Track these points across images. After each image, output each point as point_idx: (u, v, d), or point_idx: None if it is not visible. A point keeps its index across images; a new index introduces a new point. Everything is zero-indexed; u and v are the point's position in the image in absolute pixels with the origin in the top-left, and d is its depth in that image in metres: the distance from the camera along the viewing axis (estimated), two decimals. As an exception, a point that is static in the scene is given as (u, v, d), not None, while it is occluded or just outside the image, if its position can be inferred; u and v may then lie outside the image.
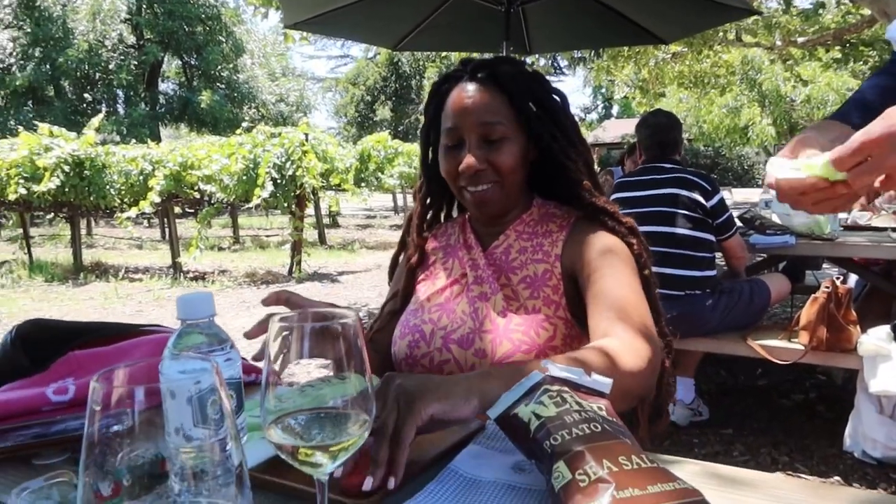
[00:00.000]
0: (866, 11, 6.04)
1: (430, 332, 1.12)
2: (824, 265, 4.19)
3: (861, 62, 7.00)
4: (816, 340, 2.41)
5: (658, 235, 2.59)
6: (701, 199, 2.62)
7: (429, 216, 1.30)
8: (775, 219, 3.10)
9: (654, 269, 1.12)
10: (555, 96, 1.17)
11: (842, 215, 3.38)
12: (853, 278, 3.50)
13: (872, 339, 2.35)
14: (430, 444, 0.77)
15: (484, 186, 1.10)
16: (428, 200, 1.29)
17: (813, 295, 2.48)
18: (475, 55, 7.28)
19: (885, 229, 3.10)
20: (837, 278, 2.50)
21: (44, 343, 1.02)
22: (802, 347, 2.47)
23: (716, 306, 2.59)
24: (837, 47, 6.97)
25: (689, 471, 0.71)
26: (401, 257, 1.32)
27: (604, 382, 0.72)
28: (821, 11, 6.45)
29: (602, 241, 1.08)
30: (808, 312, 2.47)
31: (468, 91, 1.11)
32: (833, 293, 2.40)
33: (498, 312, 1.08)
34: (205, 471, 0.49)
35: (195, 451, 0.49)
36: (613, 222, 1.10)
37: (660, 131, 2.90)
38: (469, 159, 1.08)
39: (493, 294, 1.10)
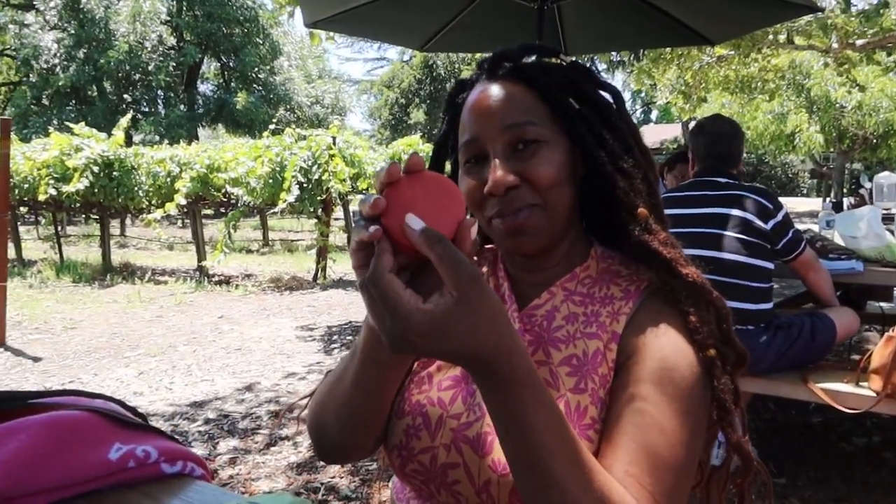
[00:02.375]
0: (934, 12, 5.61)
1: (437, 420, 0.81)
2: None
3: (925, 67, 6.53)
4: (891, 387, 2.07)
5: (705, 261, 2.27)
6: (758, 220, 2.26)
7: None
8: (839, 240, 2.76)
9: None
10: (605, 90, 0.86)
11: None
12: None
13: (959, 388, 2.02)
14: None
15: (520, 210, 0.78)
16: None
17: (888, 333, 2.14)
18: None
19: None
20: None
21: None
22: (874, 394, 2.14)
23: (771, 343, 2.26)
24: (899, 51, 6.52)
25: None
26: None
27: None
28: (882, 12, 6.01)
29: (666, 350, 0.75)
30: (881, 353, 2.13)
31: (486, 91, 0.81)
32: (912, 332, 2.07)
33: None
34: None
35: None
36: (668, 277, 0.78)
37: (720, 141, 2.49)
38: (496, 174, 0.77)
39: None
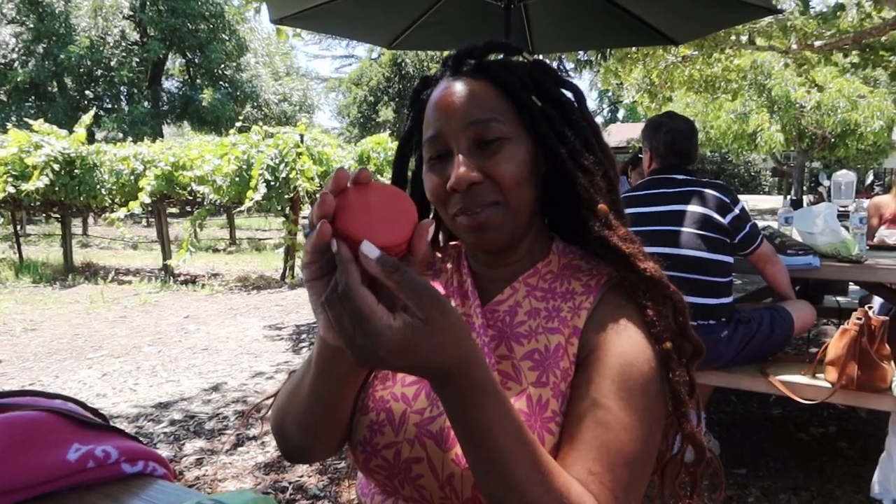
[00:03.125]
0: (888, 14, 5.77)
1: (401, 415, 0.82)
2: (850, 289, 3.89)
3: (881, 67, 6.72)
4: (846, 378, 2.14)
5: (667, 258, 2.30)
6: (717, 215, 2.31)
7: None
8: (796, 236, 2.84)
9: None
10: (567, 88, 0.87)
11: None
12: (876, 302, 3.24)
13: (909, 378, 2.09)
14: None
15: (482, 207, 0.79)
16: None
17: (842, 327, 2.20)
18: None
19: (917, 250, 2.83)
20: (869, 308, 2.23)
21: None
22: (830, 385, 2.20)
23: (731, 337, 2.31)
24: (855, 52, 6.69)
25: None
26: None
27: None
28: (839, 14, 6.17)
29: (626, 346, 0.77)
30: (836, 346, 2.19)
31: (450, 88, 0.82)
32: (866, 325, 2.13)
33: None
34: None
35: None
36: (627, 272, 0.80)
37: (681, 139, 2.50)
38: (459, 170, 0.77)
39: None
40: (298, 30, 5.28)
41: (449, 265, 0.94)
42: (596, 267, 0.86)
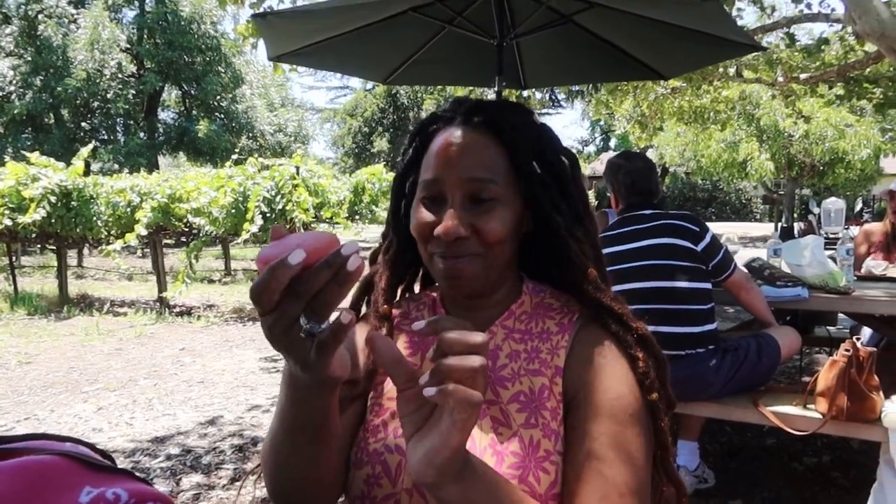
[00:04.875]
0: (870, 48, 5.92)
1: (397, 466, 0.83)
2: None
3: (864, 99, 6.89)
4: (836, 409, 2.17)
5: (648, 292, 2.34)
6: (689, 244, 2.38)
7: (400, 287, 1.01)
8: (785, 268, 2.89)
9: (650, 327, 0.87)
10: (566, 157, 0.92)
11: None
12: (866, 332, 3.28)
13: (898, 408, 2.13)
14: None
15: (462, 258, 0.83)
16: (401, 263, 0.99)
17: (831, 358, 2.25)
18: (470, 91, 7.11)
19: (903, 280, 2.89)
20: (858, 339, 2.27)
21: None
22: (820, 416, 2.24)
23: (720, 366, 2.35)
24: (840, 84, 6.85)
25: None
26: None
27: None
28: (823, 48, 6.34)
29: (611, 377, 0.82)
30: (825, 377, 2.23)
31: (459, 137, 0.86)
32: (854, 356, 2.17)
33: (486, 446, 0.81)
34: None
35: None
36: (621, 329, 0.85)
37: (641, 179, 2.59)
38: (449, 222, 0.82)
39: (480, 418, 0.82)
40: (295, 65, 5.37)
41: (425, 313, 0.97)
42: (566, 304, 0.92)
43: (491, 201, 0.84)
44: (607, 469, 0.75)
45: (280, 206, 7.10)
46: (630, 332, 0.84)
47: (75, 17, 20.94)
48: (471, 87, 7.42)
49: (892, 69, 6.25)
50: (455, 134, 0.86)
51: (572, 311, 0.90)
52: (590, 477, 0.75)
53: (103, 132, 22.68)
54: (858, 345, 2.20)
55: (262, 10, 5.47)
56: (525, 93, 8.18)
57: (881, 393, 2.20)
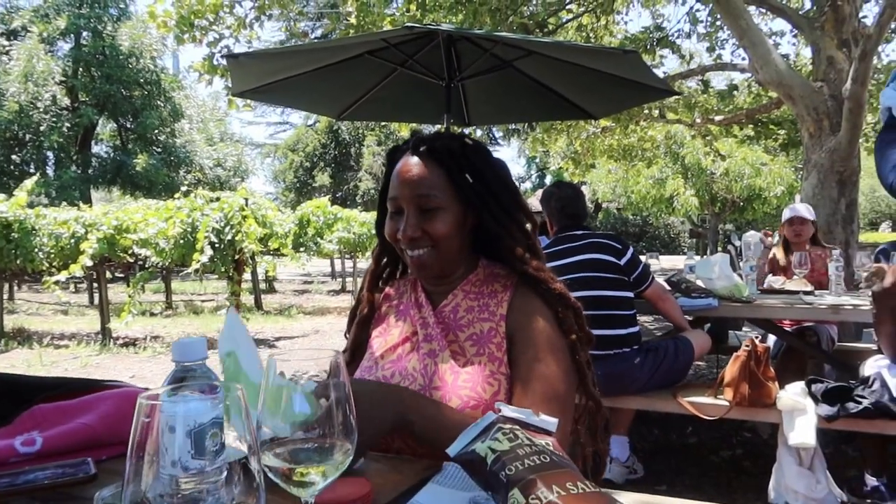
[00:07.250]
0: (774, 94, 6.64)
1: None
2: (744, 326, 4.44)
3: (772, 139, 7.63)
4: (739, 396, 2.57)
5: (582, 300, 2.71)
6: (614, 259, 2.80)
7: (385, 274, 1.39)
8: (699, 283, 3.32)
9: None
10: (494, 167, 1.26)
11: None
12: (772, 338, 3.75)
13: (790, 395, 2.54)
14: (390, 487, 0.84)
15: (420, 251, 1.19)
16: (383, 260, 1.37)
17: (735, 353, 2.65)
18: (418, 126, 7.50)
19: (797, 292, 3.35)
20: (757, 338, 2.69)
21: (3, 397, 1.04)
22: (728, 403, 2.63)
23: (643, 364, 2.74)
24: (750, 125, 7.59)
25: (630, 500, 0.80)
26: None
27: (550, 422, 0.81)
28: (735, 93, 7.05)
29: (538, 321, 1.16)
30: (731, 370, 2.64)
31: (409, 164, 1.20)
32: (753, 351, 2.58)
33: (446, 369, 1.14)
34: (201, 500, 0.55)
35: (193, 482, 0.55)
36: (545, 289, 1.19)
37: (570, 204, 3.03)
38: (407, 230, 1.18)
39: (441, 351, 1.17)
40: (250, 101, 5.63)
41: (409, 290, 1.34)
42: (509, 274, 1.27)
43: (435, 209, 1.19)
44: (539, 375, 1.10)
45: (229, 237, 7.25)
46: (551, 292, 1.19)
47: (8, 48, 20.45)
48: (420, 124, 7.79)
49: (791, 114, 7.03)
50: (407, 161, 1.21)
51: (513, 277, 1.25)
52: (530, 380, 1.11)
53: (34, 166, 22.03)
54: (756, 342, 2.61)
55: (218, 48, 5.74)
56: (467, 130, 8.63)
57: (776, 383, 2.61)
